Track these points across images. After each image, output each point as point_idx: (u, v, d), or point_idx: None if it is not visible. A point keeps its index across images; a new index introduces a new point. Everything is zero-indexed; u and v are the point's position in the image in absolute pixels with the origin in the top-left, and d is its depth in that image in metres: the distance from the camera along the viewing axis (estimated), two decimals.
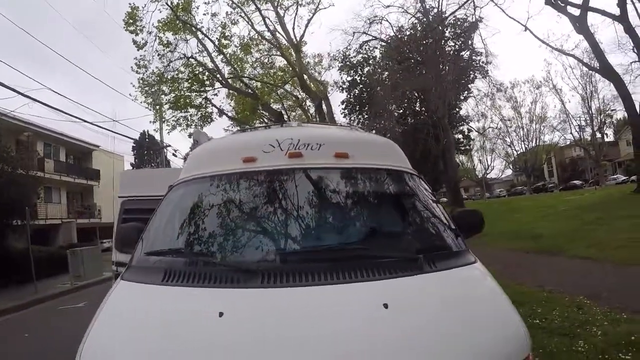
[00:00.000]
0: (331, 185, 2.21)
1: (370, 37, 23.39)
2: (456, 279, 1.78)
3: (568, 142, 46.88)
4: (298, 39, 20.44)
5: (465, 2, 19.50)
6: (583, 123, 41.11)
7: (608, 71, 18.50)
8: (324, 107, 20.39)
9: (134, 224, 2.57)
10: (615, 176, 44.38)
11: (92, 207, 30.16)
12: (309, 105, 25.34)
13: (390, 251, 1.87)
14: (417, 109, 27.94)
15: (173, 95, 20.18)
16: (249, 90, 21.05)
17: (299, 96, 25.76)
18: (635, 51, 18.95)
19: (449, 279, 1.75)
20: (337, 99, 39.60)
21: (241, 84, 21.63)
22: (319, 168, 2.22)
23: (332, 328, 1.41)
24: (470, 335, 1.46)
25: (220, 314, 1.47)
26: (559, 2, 18.34)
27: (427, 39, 22.06)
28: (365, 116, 26.27)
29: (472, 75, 24.39)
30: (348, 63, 25.65)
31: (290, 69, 21.34)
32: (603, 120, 41.42)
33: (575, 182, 45.80)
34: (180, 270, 1.78)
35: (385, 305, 1.47)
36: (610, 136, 48.45)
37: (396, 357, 1.33)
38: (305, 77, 21.22)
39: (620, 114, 39.92)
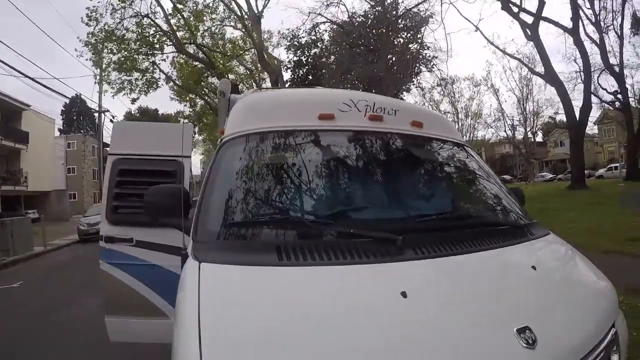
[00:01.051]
0: (414, 152, 2.16)
1: (325, 20, 23.35)
2: (554, 244, 1.90)
3: (500, 139, 49.98)
4: (260, 9, 19.84)
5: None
6: (517, 122, 44.48)
7: (552, 77, 19.86)
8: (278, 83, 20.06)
9: (170, 186, 1.98)
10: (542, 174, 48.73)
11: (17, 173, 27.60)
12: (264, 79, 24.90)
13: (496, 220, 1.94)
14: None
15: (120, 55, 18.82)
16: (205, 58, 20.10)
17: (253, 69, 25.49)
18: (581, 62, 20.58)
19: (549, 244, 1.87)
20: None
21: (197, 50, 20.69)
22: (402, 134, 2.11)
23: (513, 294, 1.38)
24: (588, 292, 1.62)
25: (404, 295, 1.21)
26: (512, 7, 19.30)
27: (380, 28, 22.35)
28: None
29: (417, 68, 24.60)
30: (296, 43, 25.00)
31: (250, 40, 20.76)
32: (535, 121, 45.09)
33: (504, 176, 49.42)
34: (301, 245, 1.40)
35: (534, 267, 1.53)
36: (539, 137, 52.85)
37: (558, 311, 1.37)
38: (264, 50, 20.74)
39: (556, 117, 43.80)
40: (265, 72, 21.78)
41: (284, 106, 2.15)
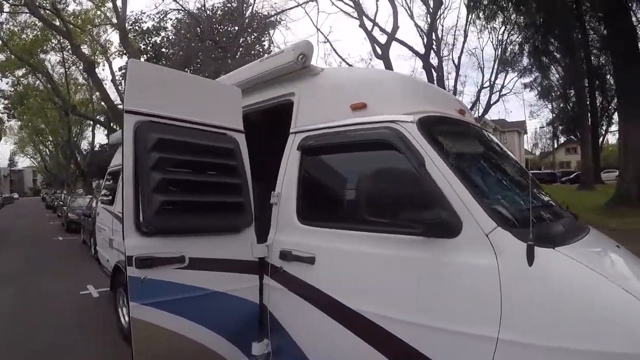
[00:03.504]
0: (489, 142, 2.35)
1: (179, 7, 21.99)
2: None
3: None
4: None
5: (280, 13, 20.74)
6: None
7: None
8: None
9: (401, 170, 1.71)
10: None
11: None
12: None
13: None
14: None
15: None
16: (62, 25, 16.68)
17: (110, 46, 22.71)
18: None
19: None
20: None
21: (52, 14, 17.37)
22: (475, 125, 2.45)
23: None
24: None
25: None
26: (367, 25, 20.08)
27: (229, 25, 21.92)
28: None
29: None
30: (137, 28, 22.31)
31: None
32: None
33: None
34: (563, 225, 1.71)
35: (618, 247, 1.85)
36: None
37: None
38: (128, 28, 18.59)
39: None
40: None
41: (429, 93, 2.25)
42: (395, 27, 18.94)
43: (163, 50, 22.77)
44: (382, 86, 2.06)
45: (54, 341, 3.89)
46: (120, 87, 21.03)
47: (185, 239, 1.95)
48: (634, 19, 12.37)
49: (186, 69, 19.82)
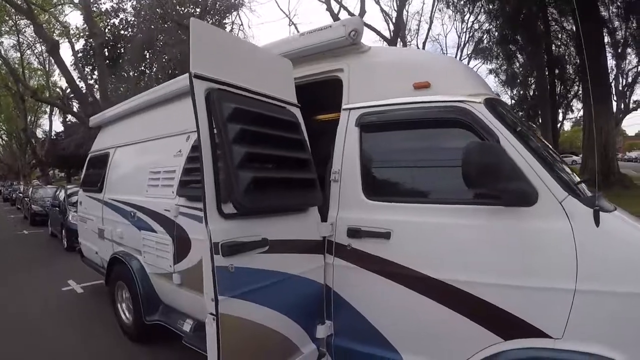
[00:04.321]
0: None
1: None
2: None
3: None
4: None
5: None
6: None
7: None
8: None
9: (489, 143, 1.74)
10: None
11: None
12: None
13: None
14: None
15: None
16: (24, 5, 14.88)
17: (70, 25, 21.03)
18: None
19: None
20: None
21: None
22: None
23: None
24: None
25: None
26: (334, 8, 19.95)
27: (193, 7, 21.04)
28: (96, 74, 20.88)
29: None
30: (94, 9, 20.41)
31: None
32: None
33: None
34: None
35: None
36: None
37: None
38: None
39: None
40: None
41: (477, 76, 2.27)
42: (363, 11, 18.72)
43: (122, 32, 21.54)
44: (444, 67, 2.13)
45: (46, 346, 3.48)
46: (79, 71, 19.62)
47: (263, 221, 1.81)
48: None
49: (146, 52, 18.74)
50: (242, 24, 22.26)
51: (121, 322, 3.63)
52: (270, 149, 1.89)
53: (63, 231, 8.40)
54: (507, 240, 1.67)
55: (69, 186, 10.24)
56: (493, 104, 1.88)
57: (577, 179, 1.87)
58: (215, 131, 1.63)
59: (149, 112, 3.67)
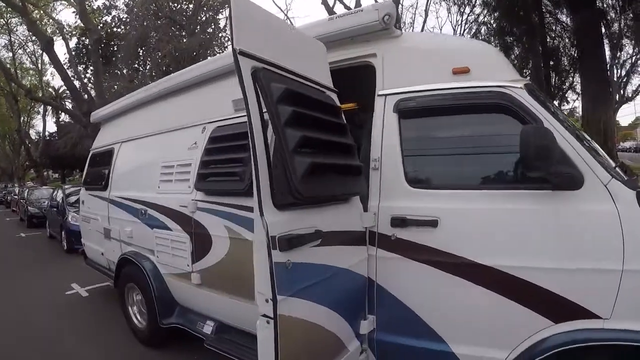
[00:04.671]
0: None
1: None
2: None
3: None
4: None
5: None
6: None
7: None
8: None
9: (539, 127, 1.68)
10: None
11: None
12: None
13: None
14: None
15: None
16: (19, 3, 13.98)
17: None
18: None
19: None
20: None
21: None
22: None
23: None
24: None
25: None
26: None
27: (185, 3, 20.64)
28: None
29: (210, 50, 20.81)
30: (87, 6, 18.90)
31: None
32: None
33: None
34: None
35: None
36: None
37: None
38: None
39: None
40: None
41: (507, 60, 2.17)
42: (358, 4, 18.11)
43: (115, 29, 21.04)
44: (481, 53, 2.09)
45: (57, 351, 3.29)
46: (73, 69, 19.17)
47: (314, 211, 1.70)
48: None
49: (140, 49, 18.26)
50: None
51: (133, 326, 3.44)
52: (320, 133, 1.75)
53: (63, 233, 8.14)
54: (555, 224, 1.65)
55: (66, 186, 9.98)
56: (532, 89, 1.85)
57: (613, 163, 1.83)
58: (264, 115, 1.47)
59: (159, 104, 3.47)
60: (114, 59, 20.81)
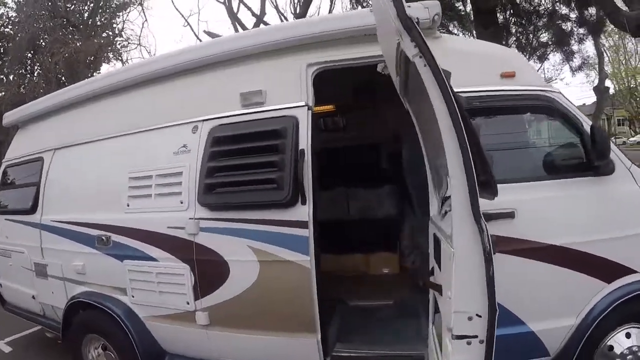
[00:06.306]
0: None
1: None
2: None
3: None
4: None
5: None
6: None
7: None
8: None
9: None
10: None
11: None
12: None
13: None
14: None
15: None
16: None
17: None
18: None
19: None
20: None
21: None
22: None
23: None
24: None
25: None
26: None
27: (82, 4, 18.63)
28: None
29: (104, 56, 18.40)
30: None
31: None
32: None
33: None
34: None
35: None
36: None
37: None
38: None
39: None
40: None
41: None
42: (263, 13, 17.07)
43: (4, 30, 17.46)
44: (522, 60, 2.47)
45: None
46: None
47: None
48: None
49: (29, 52, 15.45)
50: (146, 20, 19.66)
51: None
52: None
53: None
54: (603, 203, 1.96)
55: None
56: (562, 93, 2.13)
57: None
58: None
59: (117, 98, 2.66)
60: None
